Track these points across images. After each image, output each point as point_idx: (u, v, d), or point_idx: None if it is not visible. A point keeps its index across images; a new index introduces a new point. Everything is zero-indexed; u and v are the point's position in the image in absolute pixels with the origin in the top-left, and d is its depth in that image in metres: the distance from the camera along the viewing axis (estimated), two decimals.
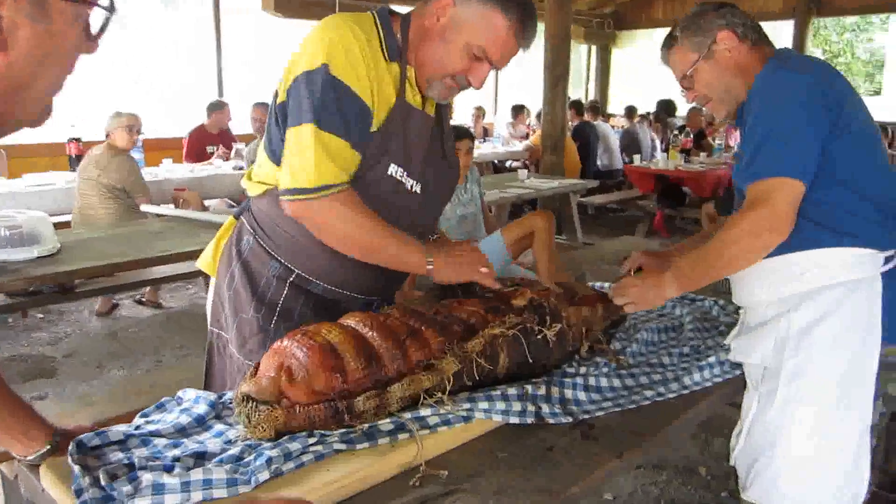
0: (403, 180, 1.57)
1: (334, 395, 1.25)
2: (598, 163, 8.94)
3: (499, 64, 1.54)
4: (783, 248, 1.52)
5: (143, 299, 5.27)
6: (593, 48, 13.44)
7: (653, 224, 7.88)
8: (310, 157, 1.43)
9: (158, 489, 1.03)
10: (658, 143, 9.83)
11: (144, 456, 1.14)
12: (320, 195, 1.44)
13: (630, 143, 9.43)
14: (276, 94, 1.53)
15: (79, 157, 5.43)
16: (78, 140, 5.62)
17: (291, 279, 1.61)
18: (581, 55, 13.45)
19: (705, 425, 3.23)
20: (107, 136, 4.92)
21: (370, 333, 1.34)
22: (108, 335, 4.66)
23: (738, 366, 1.73)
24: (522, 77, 12.28)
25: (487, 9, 1.48)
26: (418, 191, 1.61)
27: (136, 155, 5.23)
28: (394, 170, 1.55)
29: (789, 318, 1.58)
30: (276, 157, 1.55)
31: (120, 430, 1.24)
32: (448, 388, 1.36)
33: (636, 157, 8.62)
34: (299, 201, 1.45)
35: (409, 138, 1.57)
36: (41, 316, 4.96)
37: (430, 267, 1.54)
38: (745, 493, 1.64)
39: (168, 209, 4.95)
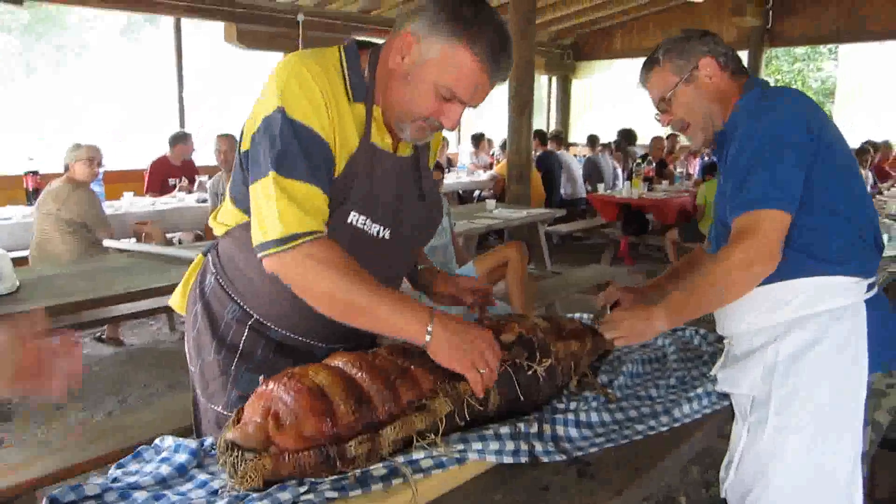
0: (366, 227, 1.46)
1: (324, 441, 1.20)
2: (562, 191, 9.05)
3: (471, 103, 1.42)
4: (769, 278, 1.52)
5: (104, 336, 5.11)
6: (553, 78, 13.65)
7: (618, 251, 7.97)
8: (273, 207, 1.32)
9: None
10: (620, 171, 9.99)
11: None
12: (289, 246, 1.31)
13: (593, 172, 9.57)
14: (242, 136, 1.45)
15: (37, 191, 5.29)
16: (35, 173, 5.48)
17: (250, 323, 1.54)
18: (542, 85, 13.65)
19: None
20: (66, 168, 4.80)
21: (359, 374, 1.29)
22: None
23: (726, 396, 1.71)
24: (484, 105, 12.39)
25: (452, 45, 1.35)
26: (387, 236, 1.50)
27: (97, 188, 5.13)
28: (354, 217, 1.44)
29: (776, 347, 1.58)
30: (237, 202, 1.51)
31: (96, 483, 1.17)
32: (441, 429, 1.32)
33: (600, 186, 8.72)
34: (270, 256, 1.34)
35: (376, 183, 1.47)
36: None
37: (429, 339, 1.33)
38: None
39: (131, 244, 4.84)
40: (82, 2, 6.80)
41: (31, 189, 5.47)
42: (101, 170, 5.09)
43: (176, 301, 1.71)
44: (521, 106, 6.65)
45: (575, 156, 10.30)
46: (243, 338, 1.54)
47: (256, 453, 1.17)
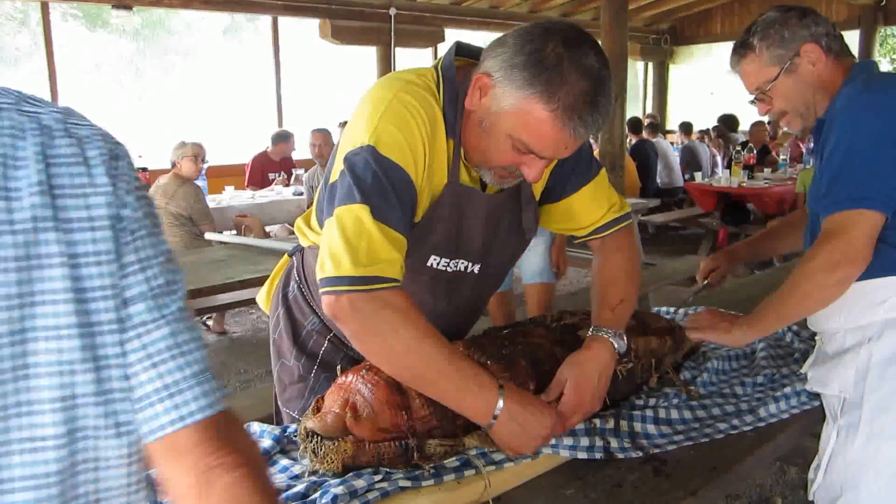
0: (448, 268, 1.40)
1: (402, 433, 1.24)
2: (658, 180, 8.81)
3: (554, 157, 1.27)
4: (863, 274, 1.45)
5: (210, 325, 5.38)
6: (650, 65, 13.29)
7: (716, 242, 7.70)
8: (355, 242, 1.18)
9: None
10: (719, 159, 9.63)
11: None
12: (365, 288, 1.17)
13: (690, 160, 9.27)
14: (330, 171, 1.35)
15: (146, 186, 5.60)
16: (145, 169, 5.81)
17: (330, 336, 1.55)
18: (638, 72, 13.31)
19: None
20: (173, 165, 5.07)
21: None
22: None
23: (817, 396, 1.65)
24: None
25: (526, 94, 1.18)
26: (476, 271, 1.45)
27: (200, 183, 5.38)
28: (434, 261, 1.38)
29: (870, 348, 1.50)
30: (322, 224, 1.36)
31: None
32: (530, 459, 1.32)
33: (697, 175, 8.45)
34: (336, 294, 1.18)
35: (464, 223, 1.38)
36: None
37: (493, 422, 1.24)
38: None
39: (231, 236, 5.06)
40: (185, 4, 7.14)
41: None
42: (205, 165, 5.35)
43: (262, 299, 1.74)
44: (614, 95, 6.51)
45: (672, 144, 10.01)
46: (322, 349, 1.56)
47: (335, 440, 1.22)
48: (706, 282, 2.07)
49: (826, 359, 1.60)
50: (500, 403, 1.23)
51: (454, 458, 1.27)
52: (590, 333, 1.45)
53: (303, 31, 8.74)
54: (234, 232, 5.73)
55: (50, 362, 0.66)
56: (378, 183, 1.21)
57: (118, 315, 0.70)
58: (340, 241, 1.20)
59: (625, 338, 1.46)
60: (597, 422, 1.44)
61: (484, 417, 1.24)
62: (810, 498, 1.61)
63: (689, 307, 2.19)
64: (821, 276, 1.43)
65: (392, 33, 8.66)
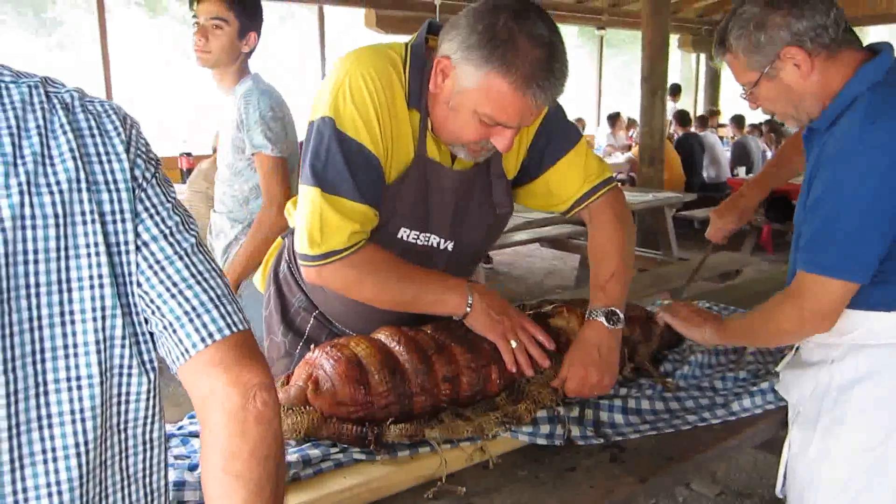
0: (419, 241, 1.48)
1: (360, 409, 1.30)
2: (705, 175, 8.66)
3: (522, 125, 1.34)
4: None
5: None
6: (702, 56, 13.02)
7: (759, 238, 7.54)
8: (314, 223, 1.34)
9: (179, 486, 1.11)
10: (770, 154, 9.41)
11: (175, 455, 1.23)
12: (328, 261, 1.35)
13: (741, 155, 9.08)
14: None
15: (189, 171, 5.79)
16: (189, 154, 5.99)
17: (315, 314, 1.64)
18: (690, 64, 13.07)
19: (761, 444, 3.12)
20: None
21: (397, 347, 1.38)
22: None
23: None
24: (627, 83, 12.06)
25: (485, 72, 1.24)
26: (450, 248, 1.52)
27: None
28: (405, 233, 1.46)
29: (831, 370, 1.48)
30: None
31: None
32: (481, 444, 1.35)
33: (741, 170, 8.28)
34: (306, 267, 1.40)
35: (432, 198, 1.45)
36: None
37: (468, 310, 1.43)
38: None
39: None
40: None
41: (184, 169, 5.99)
42: None
43: (258, 280, 1.84)
44: (654, 87, 6.44)
45: (722, 138, 9.82)
46: (308, 325, 1.64)
47: (299, 410, 1.29)
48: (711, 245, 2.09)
49: (797, 364, 1.60)
50: (470, 297, 1.42)
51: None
52: (586, 317, 1.53)
53: (348, 20, 8.86)
54: None
55: (88, 308, 0.75)
56: (329, 157, 1.33)
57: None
58: (301, 222, 1.37)
59: (618, 312, 1.51)
60: (560, 410, 1.47)
61: (460, 307, 1.43)
62: (778, 494, 1.62)
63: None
64: (787, 325, 1.44)
65: (438, 21, 8.68)
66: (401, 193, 1.42)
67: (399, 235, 1.46)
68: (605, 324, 1.49)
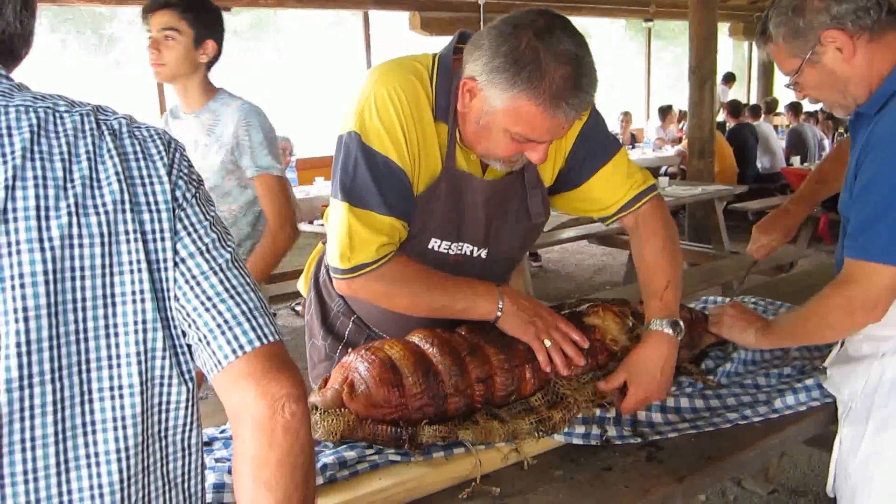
0: (450, 251, 1.49)
1: (395, 411, 1.32)
2: (759, 165, 8.45)
3: (553, 139, 1.34)
4: None
5: (297, 310, 5.65)
6: (754, 44, 12.69)
7: (816, 230, 7.33)
8: (343, 237, 1.37)
9: (219, 488, 1.15)
10: (826, 142, 9.13)
11: (217, 458, 1.27)
12: (357, 274, 1.38)
13: (797, 143, 8.82)
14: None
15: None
16: None
17: (353, 318, 1.66)
18: (742, 52, 12.76)
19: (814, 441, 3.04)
20: None
21: (431, 350, 1.40)
22: None
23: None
24: (679, 75, 11.83)
25: (512, 94, 1.24)
26: (483, 255, 1.52)
27: (290, 174, 5.63)
28: (435, 244, 1.47)
29: (883, 364, 1.45)
30: None
31: (207, 432, 1.38)
32: (516, 445, 1.36)
33: (796, 159, 8.05)
34: (338, 280, 1.44)
35: (463, 208, 1.45)
36: None
37: (500, 314, 1.43)
38: None
39: (315, 225, 5.28)
40: (280, 3, 7.46)
41: None
42: (294, 158, 5.60)
43: (301, 284, 1.87)
44: (703, 79, 6.31)
45: (776, 127, 9.56)
46: (347, 330, 1.68)
47: (335, 414, 1.32)
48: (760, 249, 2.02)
49: (845, 359, 1.56)
50: (500, 301, 1.43)
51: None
52: (644, 328, 1.52)
53: (393, 23, 8.93)
54: (321, 221, 5.96)
55: (130, 322, 0.80)
56: (357, 171, 1.36)
57: None
58: (332, 236, 1.42)
59: (680, 322, 1.50)
60: (597, 411, 1.47)
61: (491, 313, 1.43)
62: (829, 493, 1.58)
63: (739, 296, 2.16)
64: (835, 318, 1.41)
65: (482, 23, 8.69)
66: (430, 205, 1.43)
67: (430, 246, 1.47)
68: (671, 334, 1.48)
